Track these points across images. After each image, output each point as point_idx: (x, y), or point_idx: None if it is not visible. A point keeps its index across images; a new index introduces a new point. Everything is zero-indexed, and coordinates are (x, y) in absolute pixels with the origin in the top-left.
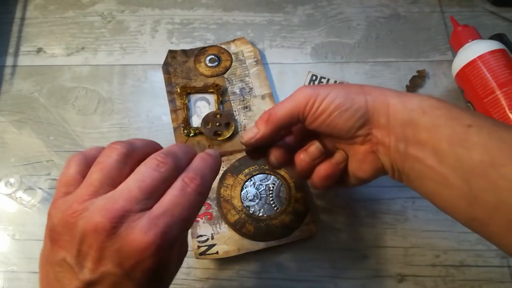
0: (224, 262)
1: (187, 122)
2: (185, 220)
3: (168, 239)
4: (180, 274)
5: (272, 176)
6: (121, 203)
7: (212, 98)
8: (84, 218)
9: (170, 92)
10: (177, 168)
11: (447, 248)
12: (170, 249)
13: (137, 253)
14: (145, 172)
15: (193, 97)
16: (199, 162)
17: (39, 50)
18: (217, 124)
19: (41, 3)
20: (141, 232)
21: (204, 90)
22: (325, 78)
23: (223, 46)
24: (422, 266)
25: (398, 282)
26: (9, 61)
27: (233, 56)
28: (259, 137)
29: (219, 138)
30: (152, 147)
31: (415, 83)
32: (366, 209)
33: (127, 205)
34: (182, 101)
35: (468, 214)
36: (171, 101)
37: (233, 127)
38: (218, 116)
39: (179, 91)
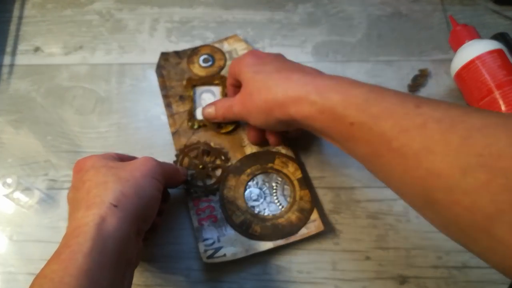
0: (224, 263)
1: (191, 114)
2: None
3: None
4: (180, 276)
5: (275, 175)
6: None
7: (217, 90)
8: None
9: (165, 96)
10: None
11: (449, 249)
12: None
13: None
14: None
15: (199, 89)
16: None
17: (37, 49)
18: None
19: (38, 2)
20: None
21: (210, 82)
22: None
23: (215, 45)
24: (424, 267)
25: (400, 284)
26: (7, 60)
27: (226, 54)
28: (214, 120)
29: (222, 131)
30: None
31: (417, 82)
32: (367, 210)
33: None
34: (188, 93)
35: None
36: (168, 106)
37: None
38: None
39: (185, 83)
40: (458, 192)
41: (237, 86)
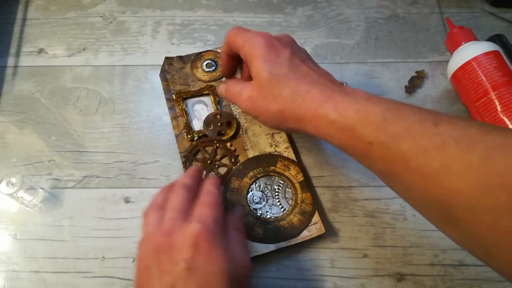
0: None
1: (189, 127)
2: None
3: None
4: None
5: (277, 178)
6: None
7: (208, 100)
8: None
9: (169, 100)
10: (190, 191)
11: (446, 247)
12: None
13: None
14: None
15: (190, 101)
16: (207, 184)
17: (41, 51)
18: (219, 124)
19: (42, 4)
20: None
21: (199, 93)
22: None
23: (219, 50)
24: (421, 265)
25: (397, 281)
26: (11, 61)
27: None
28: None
29: (223, 138)
30: (195, 176)
31: (414, 84)
32: (365, 208)
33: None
34: (180, 107)
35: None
36: (171, 108)
37: (235, 125)
38: (218, 116)
39: (174, 97)
40: (479, 211)
41: (232, 56)
